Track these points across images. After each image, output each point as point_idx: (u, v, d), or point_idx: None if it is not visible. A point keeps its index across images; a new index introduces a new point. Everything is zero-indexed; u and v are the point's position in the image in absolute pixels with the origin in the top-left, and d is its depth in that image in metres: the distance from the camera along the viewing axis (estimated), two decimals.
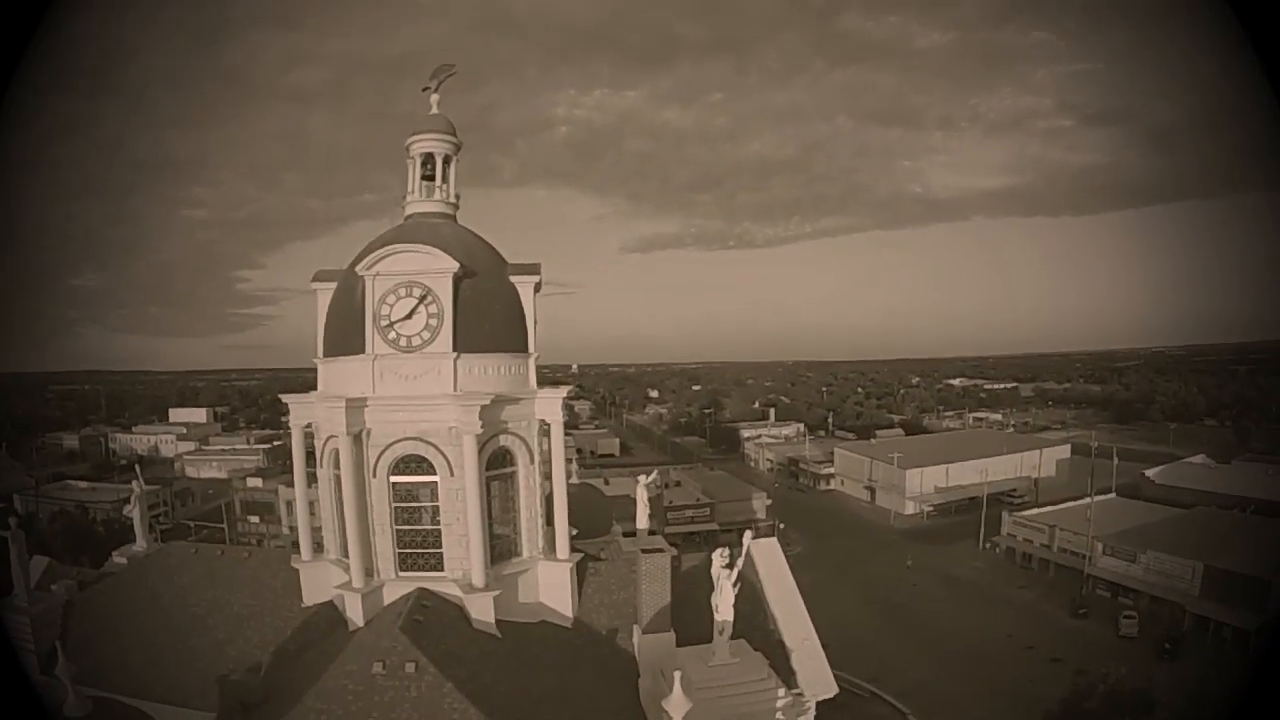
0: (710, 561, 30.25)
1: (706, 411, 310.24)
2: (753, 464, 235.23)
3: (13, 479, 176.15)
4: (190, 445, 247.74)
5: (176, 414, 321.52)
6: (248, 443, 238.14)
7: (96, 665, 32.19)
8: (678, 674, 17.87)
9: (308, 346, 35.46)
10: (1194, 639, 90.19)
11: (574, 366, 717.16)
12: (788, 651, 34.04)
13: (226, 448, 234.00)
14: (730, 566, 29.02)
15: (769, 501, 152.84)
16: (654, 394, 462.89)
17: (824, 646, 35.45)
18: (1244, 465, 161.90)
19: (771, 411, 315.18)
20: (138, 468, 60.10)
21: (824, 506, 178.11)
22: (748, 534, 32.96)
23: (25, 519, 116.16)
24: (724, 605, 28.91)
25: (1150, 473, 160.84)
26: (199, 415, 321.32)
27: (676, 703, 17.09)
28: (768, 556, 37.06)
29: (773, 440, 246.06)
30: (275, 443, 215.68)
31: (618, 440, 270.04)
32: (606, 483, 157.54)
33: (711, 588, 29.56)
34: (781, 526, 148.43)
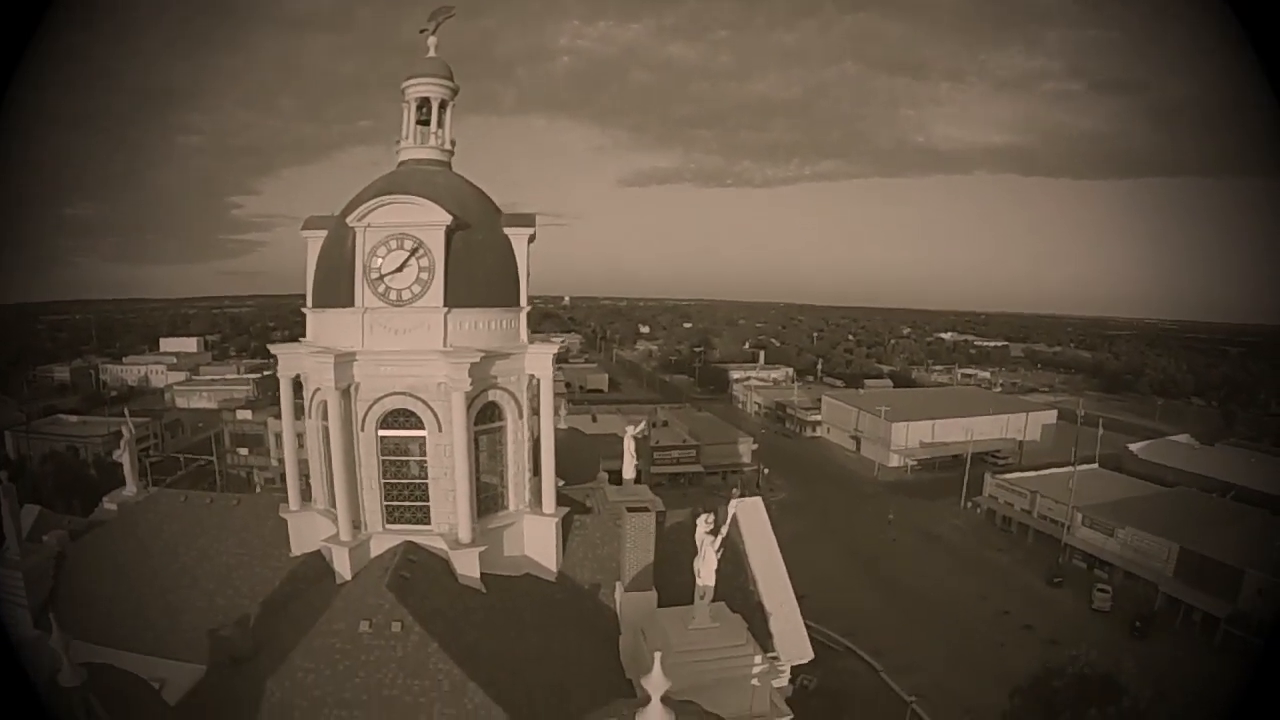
0: (694, 524, 30.42)
1: (697, 350, 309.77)
2: (741, 406, 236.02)
3: (4, 414, 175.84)
4: (180, 375, 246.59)
5: (167, 343, 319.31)
6: (238, 372, 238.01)
7: (87, 618, 32.18)
8: (657, 656, 17.90)
9: (300, 274, 35.06)
10: (1164, 620, 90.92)
11: (566, 299, 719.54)
12: (766, 615, 34.50)
13: (216, 378, 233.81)
14: (714, 533, 29.11)
15: (755, 446, 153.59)
16: (645, 330, 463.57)
17: (801, 599, 35.99)
18: (1227, 449, 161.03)
19: (761, 354, 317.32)
20: (126, 411, 59.88)
21: (809, 454, 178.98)
22: (733, 501, 33.03)
23: (17, 462, 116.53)
24: (706, 571, 29.10)
25: (1134, 447, 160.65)
26: (189, 344, 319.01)
27: (655, 682, 17.11)
28: (752, 517, 37.26)
29: (761, 383, 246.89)
30: (265, 373, 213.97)
31: (607, 375, 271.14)
32: (594, 419, 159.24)
33: (694, 547, 29.73)
34: (766, 472, 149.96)
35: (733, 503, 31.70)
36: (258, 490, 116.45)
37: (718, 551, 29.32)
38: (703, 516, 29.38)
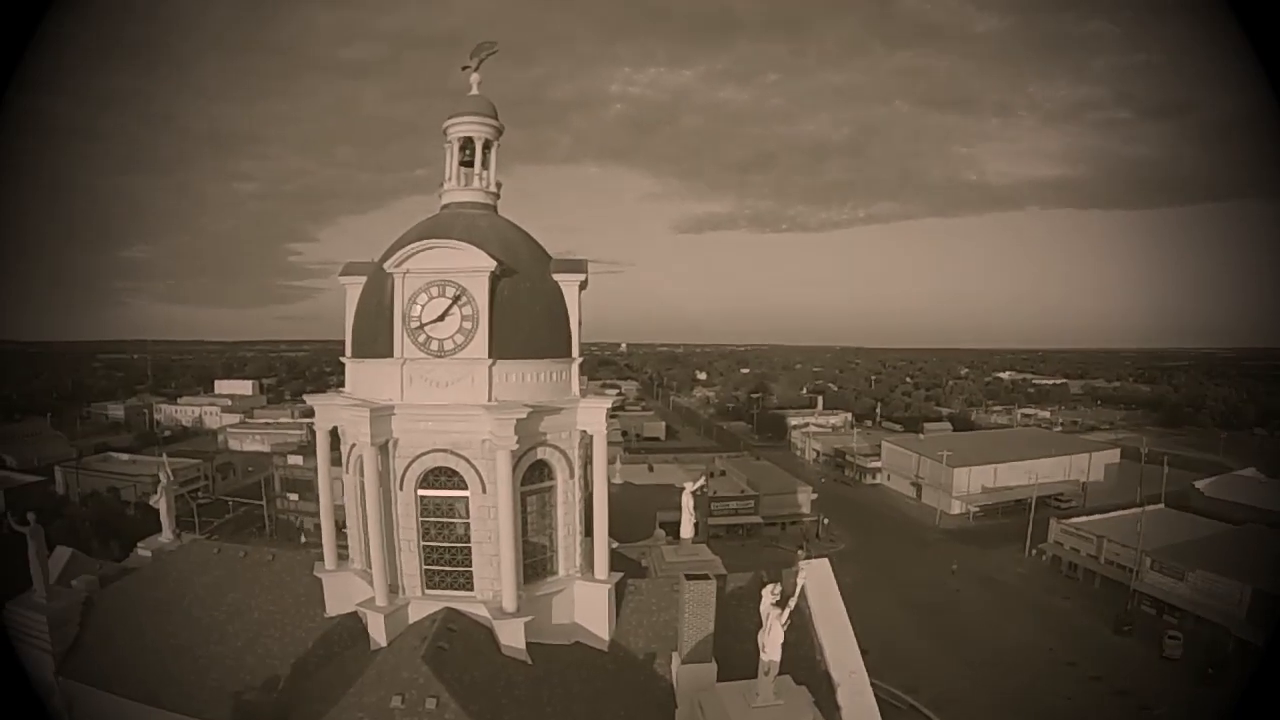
0: (758, 590, 27.98)
1: (754, 396, 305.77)
2: (799, 453, 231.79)
3: (55, 449, 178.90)
4: (235, 417, 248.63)
5: (222, 385, 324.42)
6: (291, 416, 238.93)
7: (111, 668, 31.47)
8: None
9: None
10: (1238, 665, 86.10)
11: (623, 345, 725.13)
12: (833, 685, 31.93)
13: (270, 421, 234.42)
14: (782, 604, 26.56)
15: (814, 496, 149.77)
16: (702, 376, 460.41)
17: (863, 654, 33.46)
18: None
19: (819, 399, 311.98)
20: (164, 456, 59.29)
21: (869, 501, 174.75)
22: (800, 567, 30.60)
23: (60, 500, 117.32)
24: (771, 645, 26.54)
25: (1200, 484, 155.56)
26: (245, 387, 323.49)
27: None
28: (818, 580, 34.62)
29: (820, 429, 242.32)
30: None
31: (663, 423, 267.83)
32: (650, 469, 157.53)
33: (757, 613, 27.25)
34: (826, 522, 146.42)
35: (801, 573, 28.98)
36: (303, 538, 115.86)
37: (784, 624, 26.77)
38: (769, 587, 26.78)
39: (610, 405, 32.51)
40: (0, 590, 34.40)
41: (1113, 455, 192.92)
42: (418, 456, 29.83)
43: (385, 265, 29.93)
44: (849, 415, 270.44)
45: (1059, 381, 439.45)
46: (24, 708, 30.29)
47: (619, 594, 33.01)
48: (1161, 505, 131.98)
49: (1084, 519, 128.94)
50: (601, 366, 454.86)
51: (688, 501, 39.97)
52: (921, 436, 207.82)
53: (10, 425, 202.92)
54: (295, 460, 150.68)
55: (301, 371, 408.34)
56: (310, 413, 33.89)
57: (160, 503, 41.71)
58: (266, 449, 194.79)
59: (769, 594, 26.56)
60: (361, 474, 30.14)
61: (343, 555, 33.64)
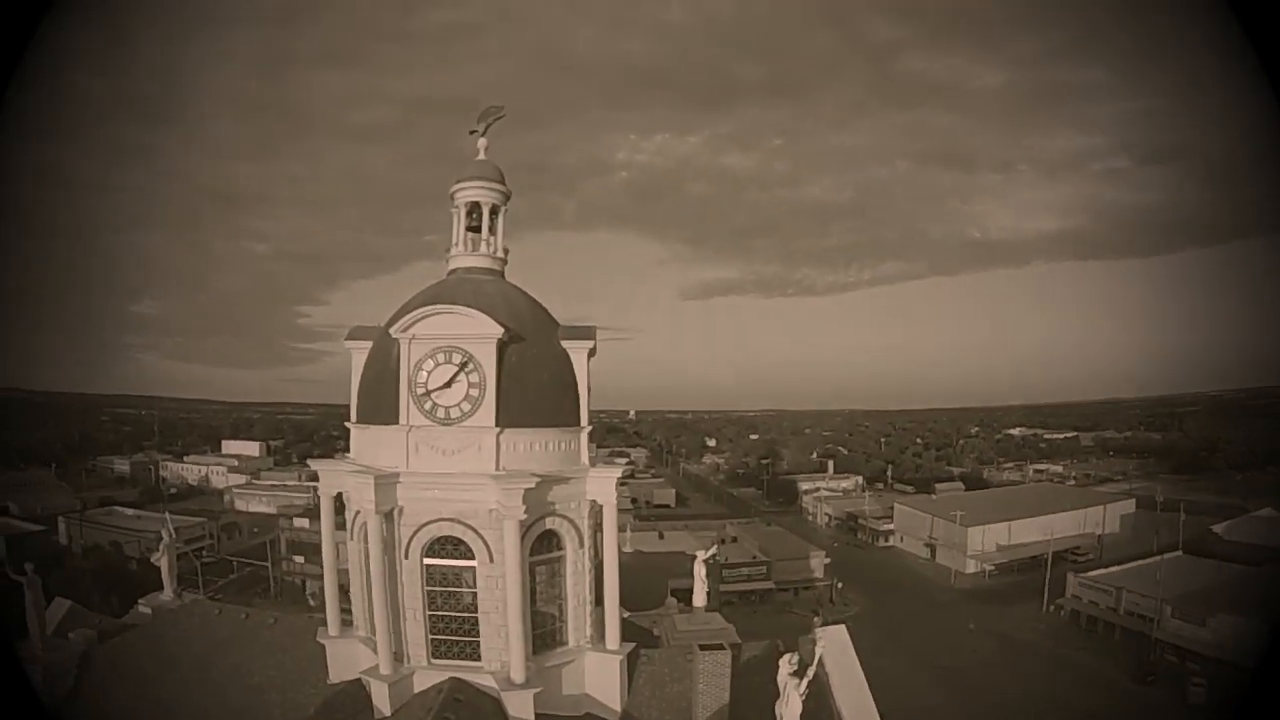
0: (774, 658, 27.30)
1: (764, 462, 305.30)
2: (810, 518, 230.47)
3: (59, 499, 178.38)
4: (241, 478, 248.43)
5: (229, 445, 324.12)
6: (299, 479, 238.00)
7: None
8: None
9: None
10: (1267, 708, 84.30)
11: (631, 413, 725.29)
12: None
13: (276, 483, 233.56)
14: (799, 674, 25.75)
15: (827, 560, 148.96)
16: (711, 443, 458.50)
17: (881, 717, 32.25)
18: None
19: (830, 463, 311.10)
20: (167, 515, 59.00)
21: (883, 564, 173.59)
22: (818, 635, 29.79)
23: (61, 552, 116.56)
24: (790, 716, 25.78)
25: (1218, 528, 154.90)
26: (251, 448, 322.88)
27: None
28: (836, 646, 33.76)
29: (831, 494, 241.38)
30: None
31: (673, 490, 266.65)
32: (661, 537, 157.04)
33: (772, 681, 26.58)
34: (839, 586, 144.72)
35: (819, 643, 28.12)
36: (311, 601, 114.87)
37: (803, 695, 25.94)
38: (786, 656, 26.03)
39: (620, 475, 31.88)
40: None
41: (1128, 506, 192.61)
42: (423, 525, 29.19)
43: (391, 330, 29.57)
44: (860, 478, 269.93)
45: (1069, 435, 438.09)
46: None
47: (631, 664, 32.05)
48: (1179, 552, 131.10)
49: (1102, 571, 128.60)
50: (610, 434, 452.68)
51: (700, 570, 39.47)
52: (934, 497, 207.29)
53: (14, 473, 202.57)
54: (301, 523, 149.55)
55: (308, 434, 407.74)
56: (316, 476, 33.40)
57: (162, 560, 41.29)
58: (272, 510, 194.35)
59: (786, 663, 25.83)
60: (366, 541, 29.53)
61: (347, 621, 32.88)
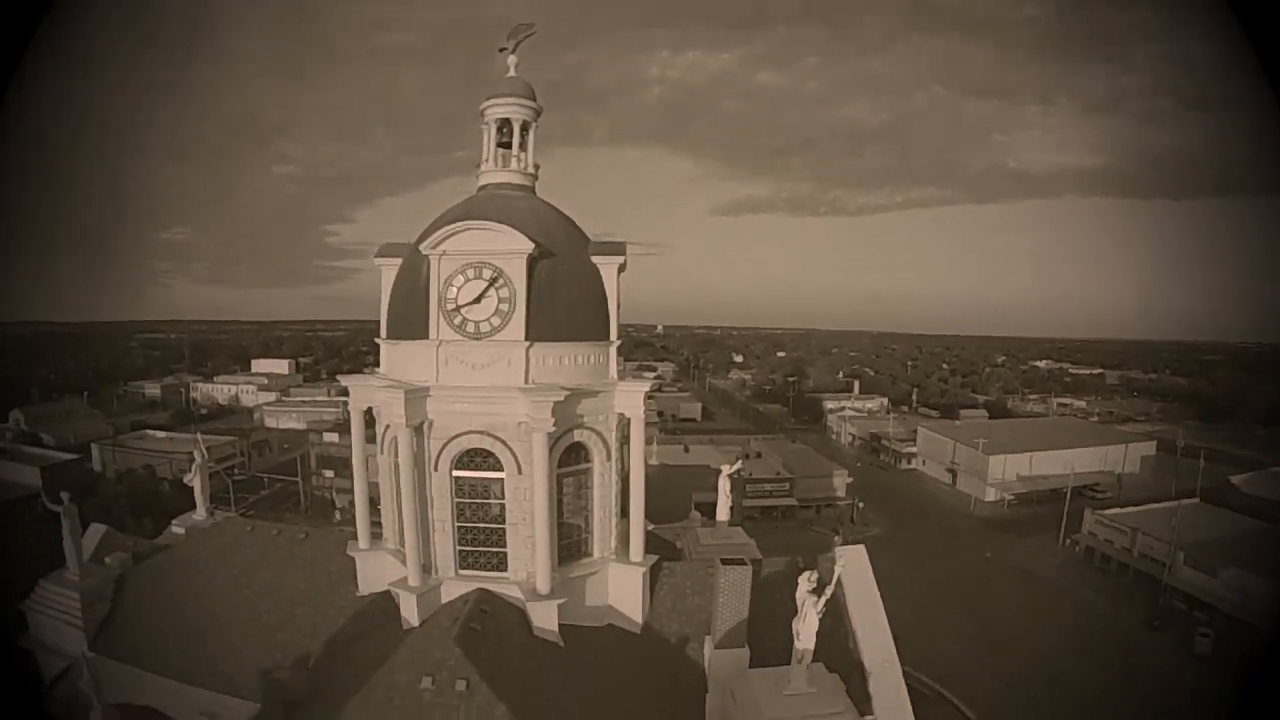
0: (794, 575, 27.64)
1: (790, 380, 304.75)
2: (835, 437, 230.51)
3: (91, 427, 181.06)
4: (271, 396, 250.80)
5: (259, 364, 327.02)
6: (327, 394, 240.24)
7: (143, 644, 31.77)
8: None
9: None
10: (1272, 668, 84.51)
11: (659, 327, 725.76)
12: (866, 674, 31.38)
13: (306, 399, 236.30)
14: (818, 593, 26.19)
15: (849, 479, 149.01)
16: (738, 359, 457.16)
17: (894, 640, 32.83)
18: None
19: (856, 384, 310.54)
20: (198, 435, 59.72)
21: (905, 487, 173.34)
22: (837, 555, 30.13)
23: (94, 478, 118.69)
24: (806, 634, 26.16)
25: (1236, 480, 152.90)
26: (281, 366, 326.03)
27: None
28: (854, 566, 34.19)
29: (856, 414, 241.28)
30: None
31: (700, 405, 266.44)
32: (686, 450, 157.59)
33: (791, 599, 26.92)
34: (860, 506, 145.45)
35: (838, 563, 28.46)
36: (337, 515, 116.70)
37: (820, 613, 26.40)
38: (805, 574, 26.37)
39: (649, 389, 32.18)
40: (36, 567, 35.03)
41: (1149, 447, 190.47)
42: (453, 438, 29.69)
43: (421, 247, 29.75)
44: (885, 400, 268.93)
45: (1095, 372, 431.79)
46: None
47: (653, 576, 32.81)
48: (1196, 500, 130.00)
49: (1119, 511, 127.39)
50: (638, 348, 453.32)
51: (724, 485, 39.60)
52: (958, 423, 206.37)
53: (47, 404, 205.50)
54: (331, 438, 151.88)
55: (338, 351, 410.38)
56: (346, 391, 33.88)
57: (195, 480, 42.00)
58: (302, 426, 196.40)
59: (805, 581, 26.21)
60: (396, 455, 30.04)
61: (376, 534, 33.67)
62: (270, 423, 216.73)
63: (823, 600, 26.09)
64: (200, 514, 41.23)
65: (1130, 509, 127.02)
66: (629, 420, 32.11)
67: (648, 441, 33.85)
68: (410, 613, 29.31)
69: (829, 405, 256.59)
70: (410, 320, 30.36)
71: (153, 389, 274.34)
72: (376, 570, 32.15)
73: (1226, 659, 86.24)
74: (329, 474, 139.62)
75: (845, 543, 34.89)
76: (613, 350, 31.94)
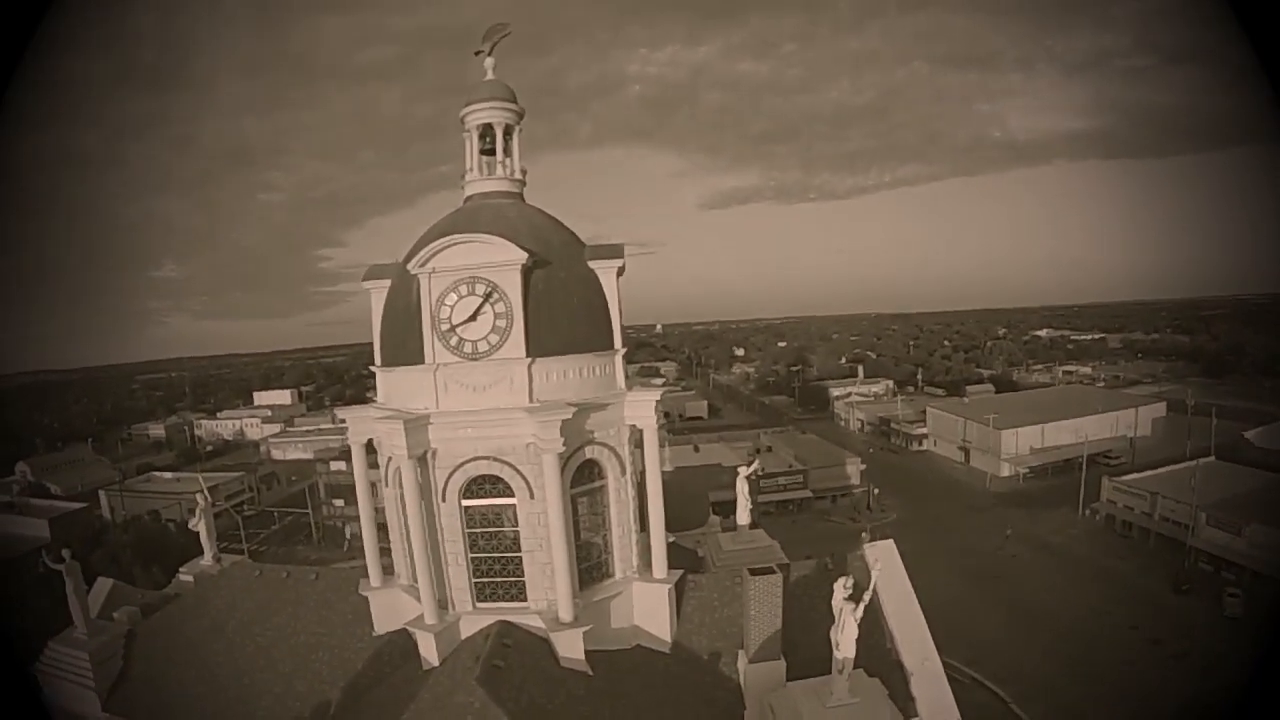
0: (821, 576, 26.51)
1: (794, 369, 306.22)
2: (843, 424, 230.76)
3: (98, 473, 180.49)
4: (275, 427, 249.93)
5: (261, 397, 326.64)
6: (333, 422, 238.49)
7: (158, 703, 30.82)
8: None
9: None
10: None
11: (658, 326, 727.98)
12: (906, 674, 30.13)
13: (311, 429, 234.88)
14: (855, 599, 24.80)
15: (862, 466, 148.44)
16: (740, 352, 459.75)
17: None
18: None
19: (860, 368, 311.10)
20: (200, 479, 58.58)
21: (918, 468, 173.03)
22: (869, 554, 28.85)
23: (104, 524, 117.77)
24: (845, 642, 24.78)
25: (1250, 434, 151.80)
26: (283, 397, 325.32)
27: None
28: (885, 562, 32.84)
29: (863, 399, 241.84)
30: None
31: (705, 402, 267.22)
32: (697, 449, 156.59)
33: (822, 601, 25.80)
34: (876, 492, 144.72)
35: (873, 566, 26.94)
36: (346, 546, 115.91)
37: (859, 619, 25.01)
38: (841, 581, 24.99)
39: (659, 396, 30.64)
40: (44, 627, 33.92)
41: (1159, 409, 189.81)
42: (459, 466, 28.29)
43: (409, 266, 28.34)
44: (890, 383, 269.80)
45: (1097, 336, 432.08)
46: None
47: (679, 591, 31.37)
48: (1212, 458, 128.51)
49: (1136, 476, 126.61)
50: (639, 349, 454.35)
51: (743, 486, 38.44)
52: (965, 400, 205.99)
53: (53, 454, 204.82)
54: (338, 466, 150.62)
55: (340, 376, 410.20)
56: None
57: (199, 525, 40.75)
58: (309, 456, 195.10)
59: (841, 588, 24.83)
60: (401, 487, 28.76)
61: (389, 569, 32.43)
62: (277, 454, 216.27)
63: (861, 607, 24.77)
64: (207, 559, 40.01)
65: (1147, 473, 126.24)
66: (642, 431, 30.72)
67: (660, 445, 32.44)
68: (430, 652, 28.04)
69: (835, 392, 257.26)
70: (404, 344, 28.99)
71: (157, 430, 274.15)
72: (391, 608, 30.90)
73: (1258, 618, 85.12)
74: (339, 503, 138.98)
75: (866, 531, 33.79)
76: (618, 359, 30.53)
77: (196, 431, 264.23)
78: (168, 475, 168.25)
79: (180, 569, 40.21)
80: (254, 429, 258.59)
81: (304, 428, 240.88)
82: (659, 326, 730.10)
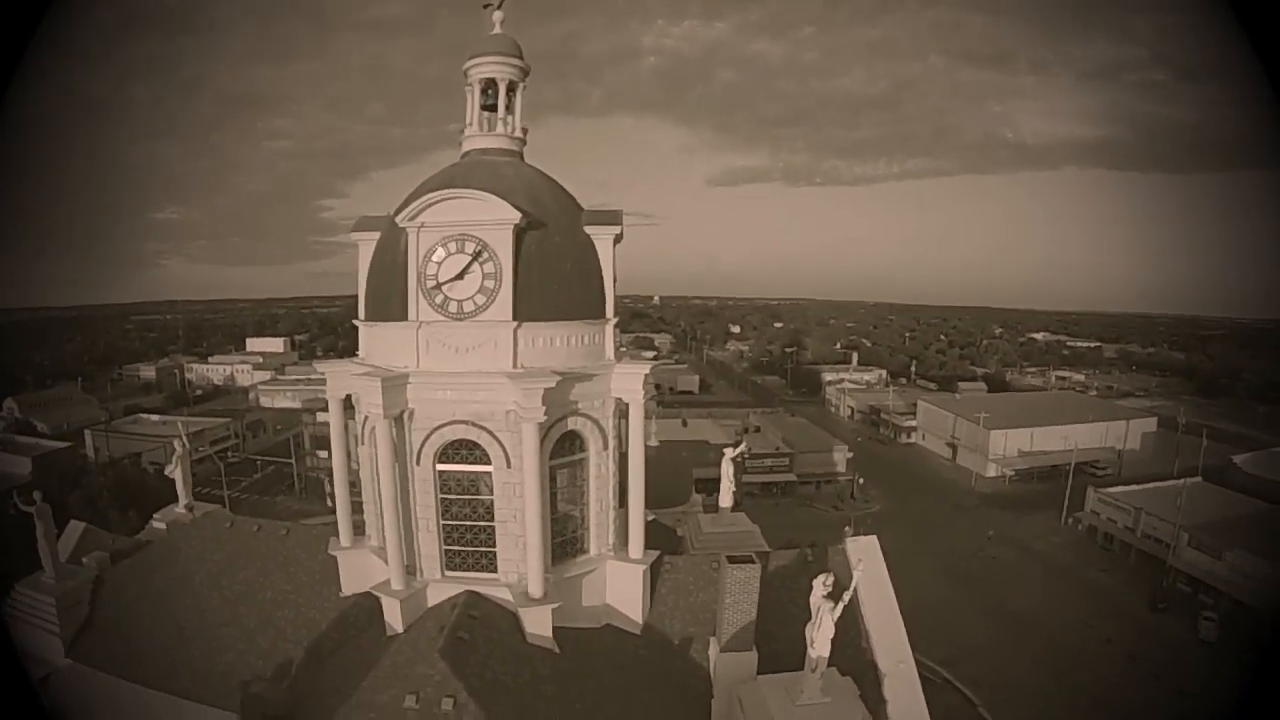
0: (801, 568, 25.78)
1: (788, 351, 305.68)
2: (833, 409, 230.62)
3: (85, 413, 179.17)
4: (266, 374, 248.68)
5: (254, 343, 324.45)
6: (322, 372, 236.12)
7: (121, 652, 30.04)
8: None
9: None
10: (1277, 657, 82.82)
11: (656, 298, 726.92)
12: (880, 675, 29.47)
13: (300, 378, 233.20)
14: (834, 598, 23.97)
15: (849, 454, 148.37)
16: (735, 330, 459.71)
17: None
18: None
19: (854, 355, 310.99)
20: (180, 424, 57.59)
21: (905, 461, 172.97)
22: (852, 554, 28.11)
23: (86, 464, 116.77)
24: (821, 641, 23.94)
25: (1238, 459, 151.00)
26: (276, 344, 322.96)
27: None
28: (866, 560, 32.08)
29: (855, 386, 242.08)
30: None
31: (697, 377, 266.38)
32: (685, 424, 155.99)
33: (799, 592, 25.39)
34: (861, 481, 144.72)
35: (855, 566, 26.03)
36: (329, 502, 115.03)
37: (836, 618, 24.19)
38: (821, 578, 24.13)
39: (649, 370, 29.67)
40: (20, 567, 33.20)
41: (1150, 424, 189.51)
42: (436, 429, 27.38)
43: (398, 219, 27.29)
44: (883, 372, 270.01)
45: (1093, 345, 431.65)
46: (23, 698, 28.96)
47: (654, 573, 30.67)
48: (1199, 479, 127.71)
49: (1121, 489, 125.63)
50: (635, 319, 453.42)
51: (727, 469, 37.54)
52: (957, 396, 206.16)
53: (42, 392, 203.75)
54: (324, 418, 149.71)
55: (334, 327, 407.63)
56: None
57: (175, 473, 39.75)
58: (298, 405, 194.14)
59: (820, 585, 23.98)
60: (376, 447, 27.78)
61: (360, 530, 31.64)
62: (265, 402, 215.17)
63: (840, 606, 23.97)
64: (181, 507, 39.13)
65: (1133, 487, 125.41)
66: (628, 405, 29.80)
67: (646, 417, 31.53)
68: (394, 618, 27.30)
69: (827, 377, 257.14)
70: (388, 300, 27.98)
71: (148, 371, 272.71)
72: (360, 570, 30.15)
73: (1231, 645, 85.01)
74: (323, 454, 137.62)
75: (849, 525, 33.16)
76: (609, 329, 29.52)
77: (187, 375, 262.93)
78: (154, 418, 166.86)
79: (154, 516, 39.51)
80: (244, 375, 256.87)
81: (294, 376, 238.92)
82: (656, 298, 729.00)
